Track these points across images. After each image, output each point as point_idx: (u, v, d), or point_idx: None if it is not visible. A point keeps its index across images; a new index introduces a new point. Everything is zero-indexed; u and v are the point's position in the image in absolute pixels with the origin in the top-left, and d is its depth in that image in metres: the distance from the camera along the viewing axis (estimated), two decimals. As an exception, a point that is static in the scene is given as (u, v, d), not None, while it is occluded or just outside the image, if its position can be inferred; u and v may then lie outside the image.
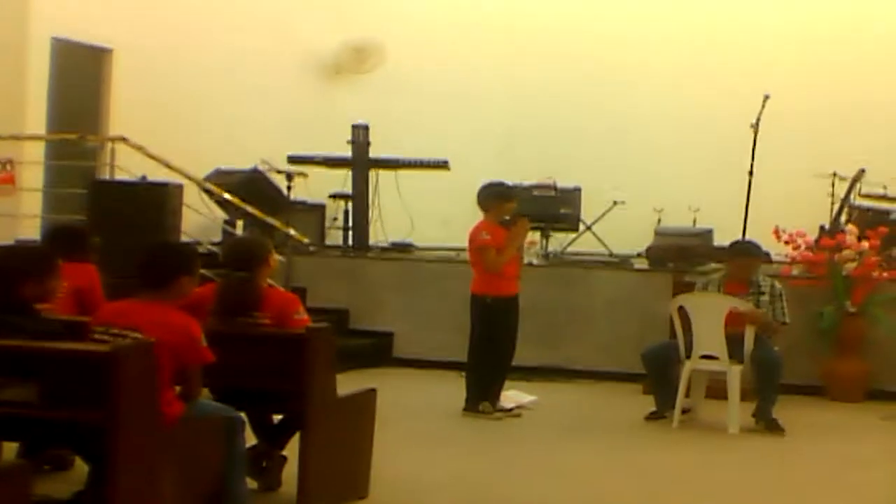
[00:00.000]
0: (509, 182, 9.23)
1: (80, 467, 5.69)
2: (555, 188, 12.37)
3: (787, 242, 10.44)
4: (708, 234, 12.13)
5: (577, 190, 12.50)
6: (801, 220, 10.87)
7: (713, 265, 10.49)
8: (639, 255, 11.71)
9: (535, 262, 11.13)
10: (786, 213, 10.98)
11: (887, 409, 9.26)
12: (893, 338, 9.85)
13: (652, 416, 8.63)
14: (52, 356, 4.76)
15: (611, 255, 11.99)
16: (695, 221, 12.80)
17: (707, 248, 11.57)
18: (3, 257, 5.13)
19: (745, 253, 8.85)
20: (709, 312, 8.46)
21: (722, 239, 11.73)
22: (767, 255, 10.82)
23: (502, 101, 14.69)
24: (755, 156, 11.14)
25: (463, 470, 7.02)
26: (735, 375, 8.34)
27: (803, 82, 13.51)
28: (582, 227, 12.50)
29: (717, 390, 8.56)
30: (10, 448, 5.54)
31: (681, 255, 10.85)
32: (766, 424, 8.36)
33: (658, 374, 8.72)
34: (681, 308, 8.58)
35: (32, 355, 4.77)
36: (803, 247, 10.38)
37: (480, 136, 14.29)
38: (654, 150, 14.10)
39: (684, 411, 8.53)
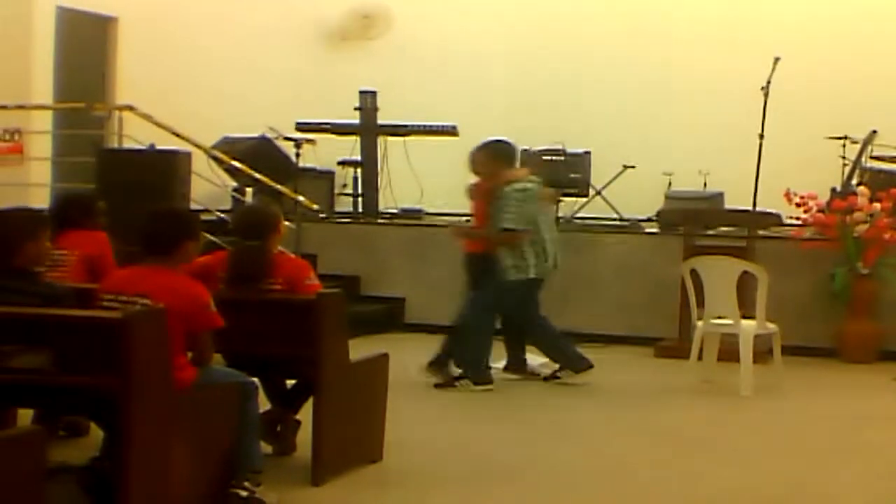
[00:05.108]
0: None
1: (96, 433, 5.70)
2: (564, 153, 12.34)
3: (798, 205, 10.40)
4: (719, 197, 12.10)
5: (587, 154, 12.46)
6: (812, 182, 10.84)
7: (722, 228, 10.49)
8: (649, 220, 11.68)
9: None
10: (797, 175, 10.95)
11: (899, 371, 9.25)
12: (905, 299, 9.84)
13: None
14: (64, 323, 4.75)
15: (621, 219, 11.96)
16: (705, 185, 12.76)
17: (718, 211, 11.55)
18: (0, 221, 5.10)
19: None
20: (721, 275, 8.43)
21: (732, 202, 11.74)
22: (778, 216, 10.80)
23: (511, 66, 14.62)
24: (766, 119, 11.08)
25: (475, 433, 7.03)
26: (748, 337, 8.32)
27: (814, 44, 13.41)
28: (592, 192, 12.46)
29: (730, 353, 8.53)
30: (26, 415, 5.56)
31: (691, 219, 10.80)
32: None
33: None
34: (693, 271, 8.56)
35: (44, 322, 4.77)
36: (815, 209, 10.34)
37: (489, 101, 14.23)
38: (663, 113, 14.02)
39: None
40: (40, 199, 10.10)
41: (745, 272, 8.44)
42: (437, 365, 8.48)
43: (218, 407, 5.14)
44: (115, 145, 10.94)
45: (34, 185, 10.80)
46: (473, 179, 8.65)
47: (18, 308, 4.77)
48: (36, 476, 3.65)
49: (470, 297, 8.47)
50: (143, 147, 10.24)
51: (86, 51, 12.09)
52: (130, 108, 10.59)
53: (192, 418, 4.93)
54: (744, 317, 8.38)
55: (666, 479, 6.15)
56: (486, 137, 8.67)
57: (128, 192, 9.30)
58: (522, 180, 8.38)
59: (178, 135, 10.41)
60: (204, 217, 8.38)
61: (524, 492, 5.83)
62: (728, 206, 11.82)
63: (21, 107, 10.83)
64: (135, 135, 10.55)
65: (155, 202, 8.92)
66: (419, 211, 12.50)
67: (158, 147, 10.23)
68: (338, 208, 12.93)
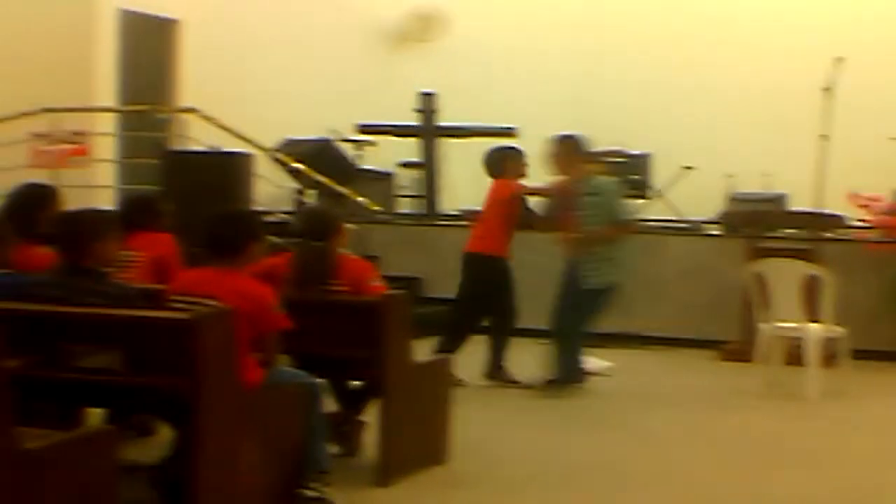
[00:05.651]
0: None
1: (163, 433, 5.74)
2: (624, 155, 12.27)
3: (862, 207, 10.26)
4: (782, 199, 11.98)
5: (647, 156, 12.39)
6: (876, 184, 10.69)
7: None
8: (710, 222, 11.58)
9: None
10: (861, 177, 10.80)
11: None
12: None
13: None
14: (134, 324, 4.79)
15: (683, 221, 11.86)
16: (767, 187, 12.64)
17: (782, 213, 11.44)
18: (70, 221, 5.15)
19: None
20: (785, 278, 8.34)
21: (795, 204, 11.61)
22: (841, 218, 10.66)
23: (570, 67, 14.56)
24: (829, 120, 10.96)
25: (540, 436, 7.01)
26: (813, 340, 8.22)
27: (877, 44, 13.24)
28: (653, 194, 12.38)
29: (796, 356, 8.42)
30: (94, 414, 5.61)
31: (754, 221, 10.69)
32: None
33: None
34: (757, 274, 8.47)
35: (114, 323, 4.80)
36: (879, 211, 10.20)
37: (548, 102, 14.17)
38: (724, 115, 13.92)
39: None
40: (106, 201, 10.23)
41: (810, 275, 8.34)
42: (494, 371, 8.45)
43: (286, 407, 5.16)
44: (179, 147, 11.03)
45: (99, 186, 10.92)
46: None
47: (89, 308, 4.81)
48: (111, 475, 3.69)
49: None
50: (207, 149, 10.31)
51: (148, 53, 12.20)
52: (193, 111, 10.67)
53: (261, 418, 4.95)
54: (810, 320, 8.29)
55: (732, 483, 6.09)
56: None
57: (191, 193, 9.36)
58: (603, 174, 8.37)
59: (240, 136, 10.47)
60: (267, 218, 8.44)
61: (588, 494, 5.81)
62: (791, 207, 11.70)
63: (86, 109, 10.95)
64: (198, 136, 10.63)
65: (218, 204, 8.99)
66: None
67: (221, 149, 10.30)
68: (398, 210, 12.95)
